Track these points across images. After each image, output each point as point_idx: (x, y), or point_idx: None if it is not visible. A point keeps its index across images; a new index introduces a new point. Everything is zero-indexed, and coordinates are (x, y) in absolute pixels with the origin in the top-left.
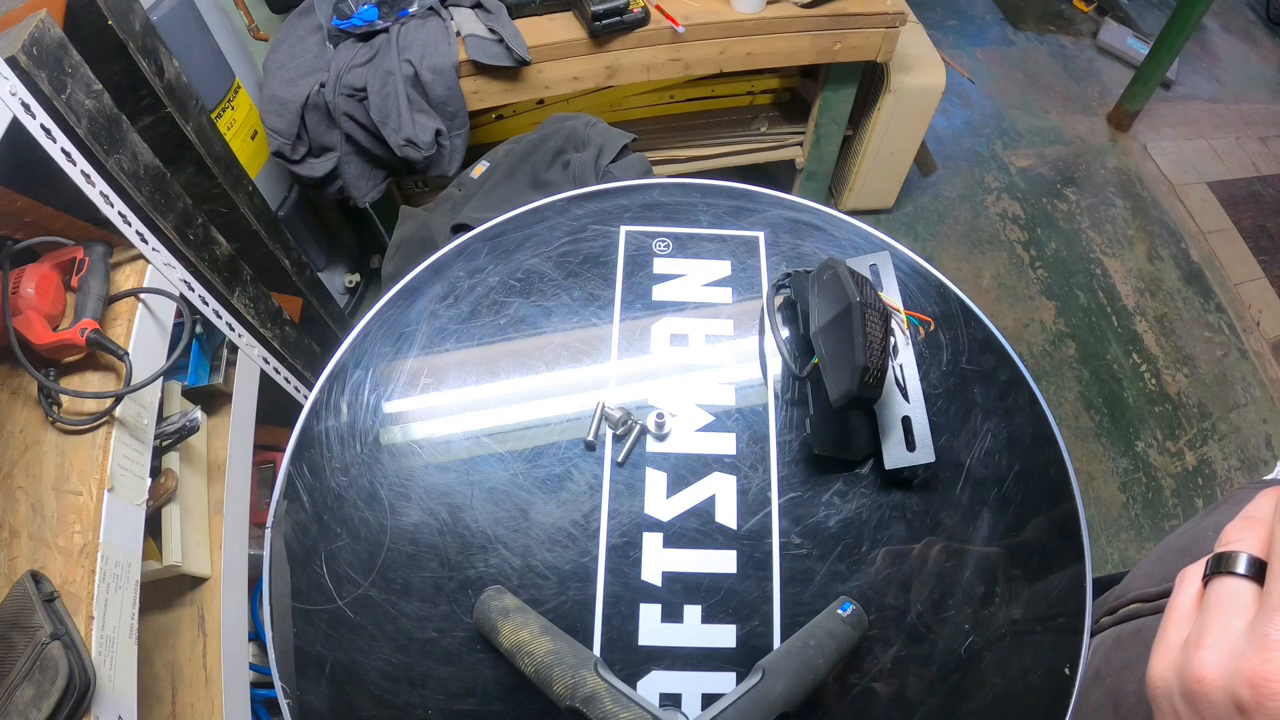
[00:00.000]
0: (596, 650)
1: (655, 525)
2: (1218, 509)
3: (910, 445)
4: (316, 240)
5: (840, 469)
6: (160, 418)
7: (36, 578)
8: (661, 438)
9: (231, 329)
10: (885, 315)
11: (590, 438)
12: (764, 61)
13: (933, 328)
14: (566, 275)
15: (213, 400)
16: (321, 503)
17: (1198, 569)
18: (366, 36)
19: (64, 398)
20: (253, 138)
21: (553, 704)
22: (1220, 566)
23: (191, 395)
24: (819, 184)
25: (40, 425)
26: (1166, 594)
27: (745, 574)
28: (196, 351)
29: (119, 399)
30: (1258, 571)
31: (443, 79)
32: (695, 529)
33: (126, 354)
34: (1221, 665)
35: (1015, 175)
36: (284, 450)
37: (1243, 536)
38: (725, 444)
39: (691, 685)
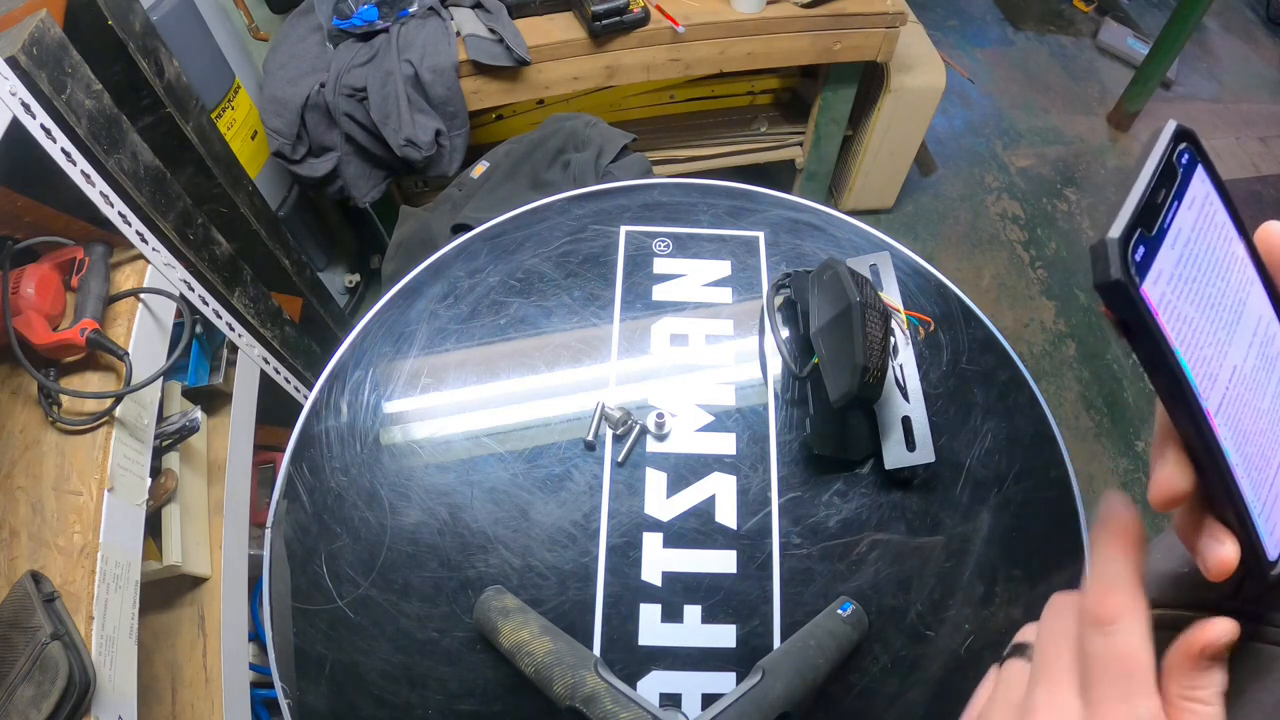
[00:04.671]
0: (596, 650)
1: (655, 525)
2: (1169, 533)
3: (910, 445)
4: (316, 240)
5: (840, 469)
6: (160, 418)
7: (36, 578)
8: (661, 438)
9: (231, 329)
10: (885, 315)
11: (590, 438)
12: (764, 61)
13: (933, 328)
14: (566, 275)
15: (213, 400)
16: (321, 503)
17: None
18: (366, 36)
19: (64, 398)
20: (253, 138)
21: (553, 704)
22: (1013, 653)
23: (191, 395)
24: (819, 184)
25: (40, 425)
26: None
27: (745, 574)
28: (196, 351)
29: (119, 399)
30: None
31: (443, 79)
32: (695, 529)
33: (126, 354)
34: None
35: (1015, 175)
36: (284, 450)
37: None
38: (725, 444)
39: (691, 685)
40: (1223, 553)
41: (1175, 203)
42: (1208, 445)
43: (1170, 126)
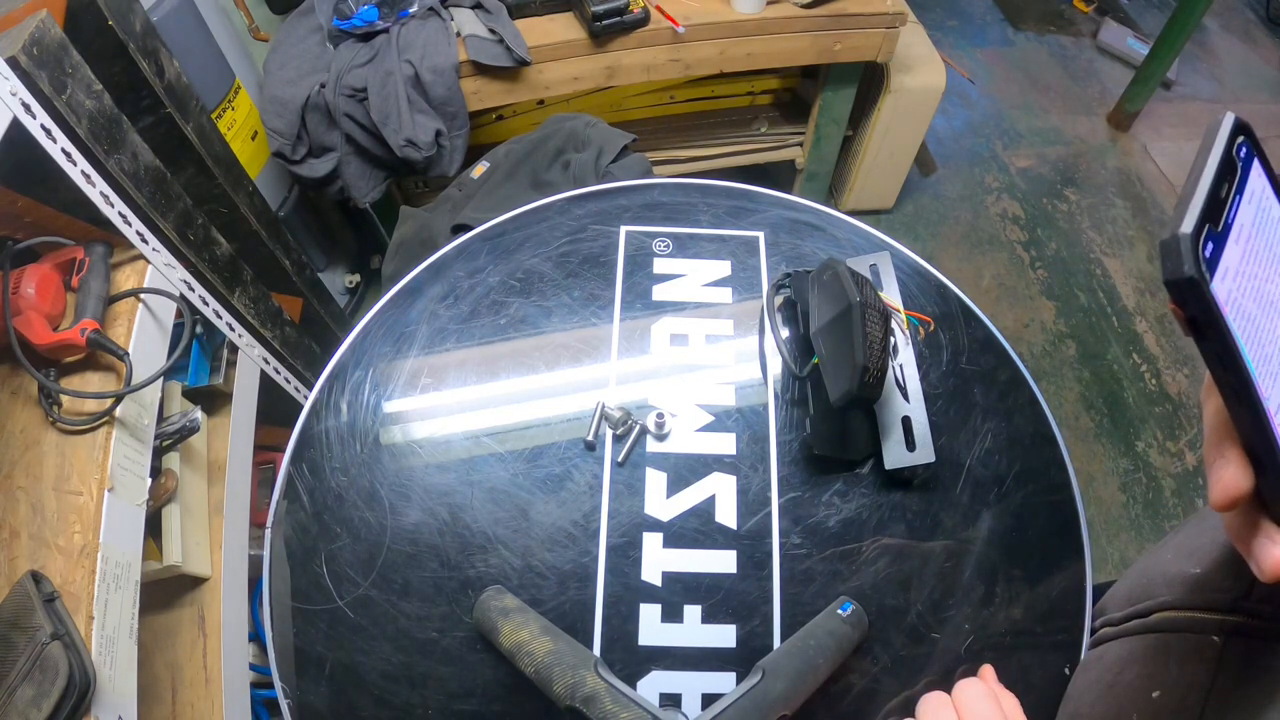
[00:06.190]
0: (596, 650)
1: (655, 525)
2: (1179, 533)
3: (910, 445)
4: (317, 240)
5: (840, 469)
6: (160, 418)
7: (36, 578)
8: (661, 438)
9: (232, 329)
10: (885, 315)
11: (590, 438)
12: (764, 62)
13: (933, 328)
14: (566, 275)
15: (213, 400)
16: (321, 503)
17: None
18: (367, 37)
19: (64, 398)
20: (253, 138)
21: (553, 704)
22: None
23: (191, 395)
24: (819, 184)
25: (40, 425)
26: (1131, 617)
27: (745, 574)
28: (196, 352)
29: (119, 399)
30: None
31: (443, 79)
32: (695, 529)
33: (127, 354)
34: None
35: (1015, 175)
36: (284, 450)
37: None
38: (725, 444)
39: (691, 685)
40: (1279, 554)
41: (1237, 197)
42: (1269, 445)
43: (1229, 119)
